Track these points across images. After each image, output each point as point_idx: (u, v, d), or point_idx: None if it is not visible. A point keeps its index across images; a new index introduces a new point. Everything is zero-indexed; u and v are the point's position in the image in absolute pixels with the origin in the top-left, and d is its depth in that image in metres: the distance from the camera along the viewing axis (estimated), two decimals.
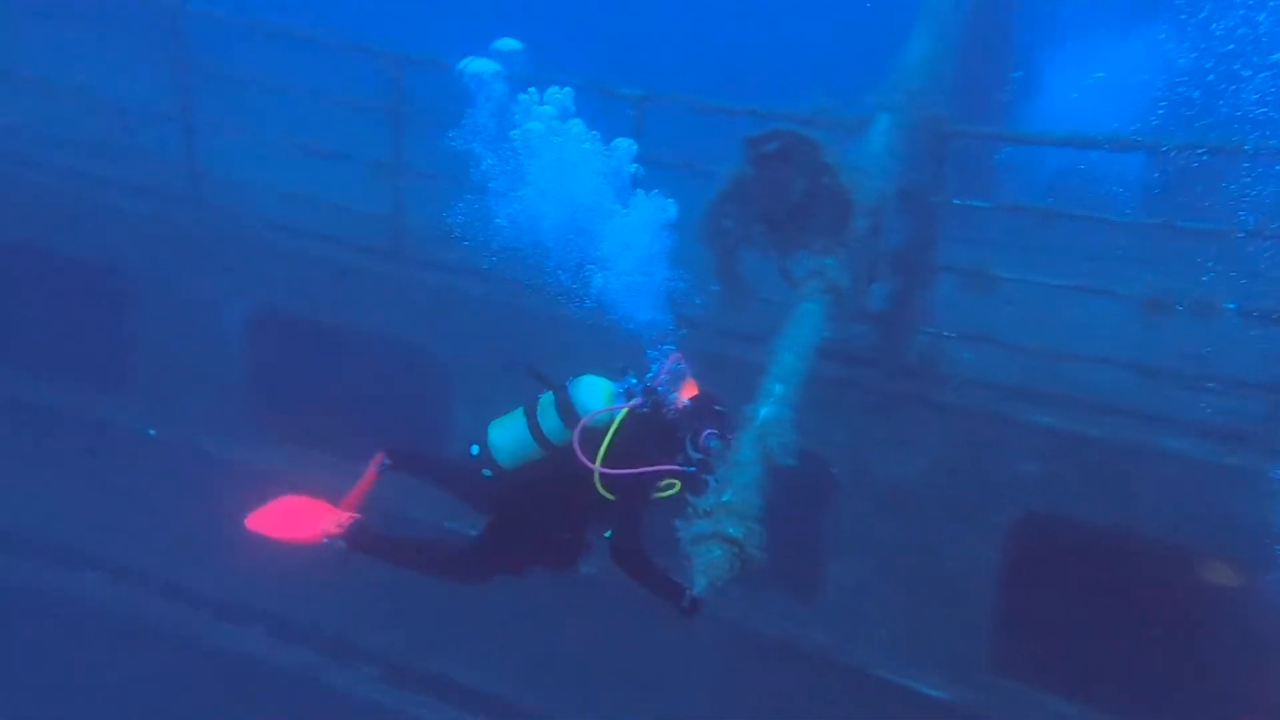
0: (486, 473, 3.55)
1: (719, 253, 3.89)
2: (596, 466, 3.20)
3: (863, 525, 4.90)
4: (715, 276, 3.97)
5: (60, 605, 6.30)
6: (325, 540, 3.70)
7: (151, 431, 6.20)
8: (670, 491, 3.30)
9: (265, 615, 6.06)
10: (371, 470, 3.93)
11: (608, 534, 3.31)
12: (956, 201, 4.73)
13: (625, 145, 3.91)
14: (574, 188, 3.80)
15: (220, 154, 6.03)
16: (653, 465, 3.11)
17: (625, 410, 3.36)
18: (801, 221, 3.76)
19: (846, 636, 4.96)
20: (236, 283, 6.00)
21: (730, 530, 2.06)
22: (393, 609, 5.66)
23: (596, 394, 3.43)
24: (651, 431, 3.31)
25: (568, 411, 3.43)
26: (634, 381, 3.48)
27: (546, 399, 3.52)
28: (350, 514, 3.79)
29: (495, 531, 3.63)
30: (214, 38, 6.01)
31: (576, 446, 3.25)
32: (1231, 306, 4.21)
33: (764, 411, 2.47)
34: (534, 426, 3.48)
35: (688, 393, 3.48)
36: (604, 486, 3.26)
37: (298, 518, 3.74)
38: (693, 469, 3.18)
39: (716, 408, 3.36)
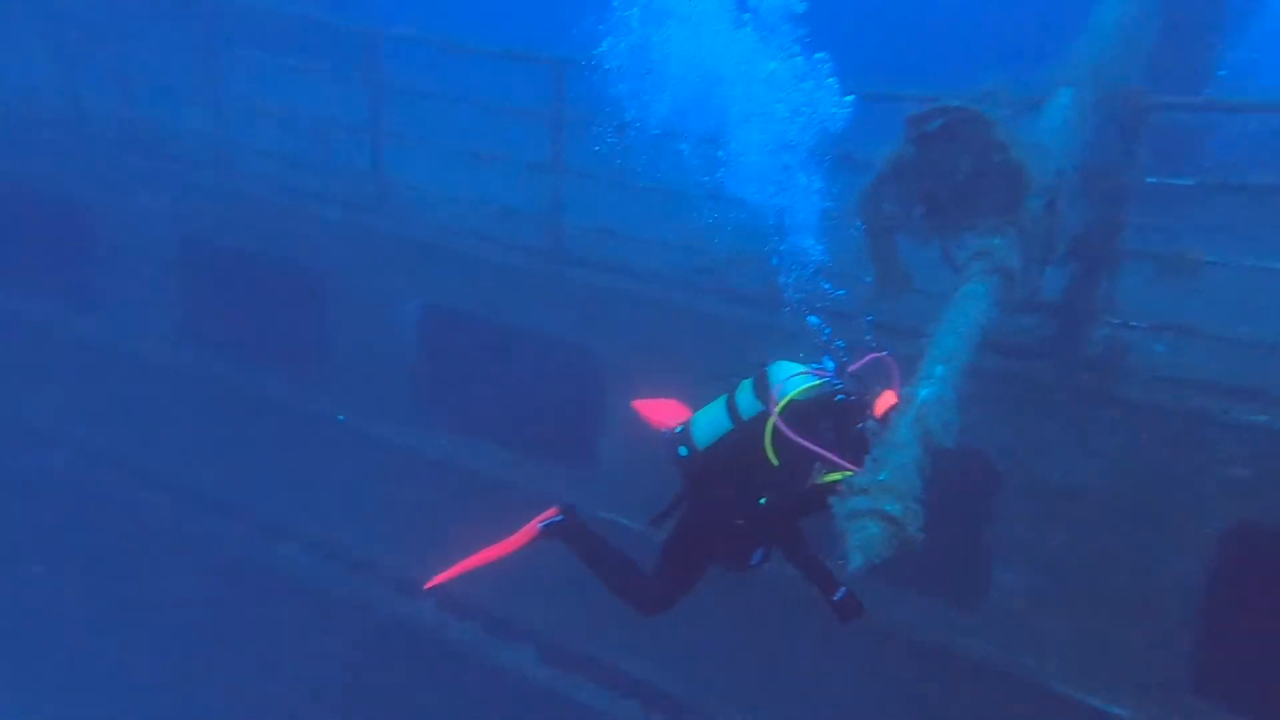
0: (683, 450, 3.62)
1: (875, 238, 3.76)
2: (775, 411, 3.19)
3: (1033, 530, 4.54)
4: (870, 263, 3.83)
5: (265, 573, 7.06)
6: (541, 527, 3.80)
7: (341, 418, 6.82)
8: (834, 476, 3.21)
9: (434, 590, 6.48)
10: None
11: (762, 500, 3.29)
12: (1151, 180, 4.31)
13: None
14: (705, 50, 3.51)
15: (398, 161, 6.53)
16: (821, 447, 3.03)
17: (816, 382, 3.33)
18: (967, 202, 3.56)
19: (1016, 647, 4.62)
20: (409, 282, 6.48)
21: (888, 508, 1.98)
22: (552, 590, 5.88)
23: (792, 373, 3.46)
24: (831, 415, 3.24)
25: (763, 388, 3.48)
26: (830, 366, 3.46)
27: (746, 382, 3.60)
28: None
29: (676, 531, 3.69)
30: (394, 53, 6.55)
31: (771, 405, 3.23)
32: None
33: (924, 392, 2.36)
34: (730, 403, 3.57)
35: (888, 400, 3.35)
36: (773, 448, 3.24)
37: (478, 560, 3.86)
38: (852, 469, 3.07)
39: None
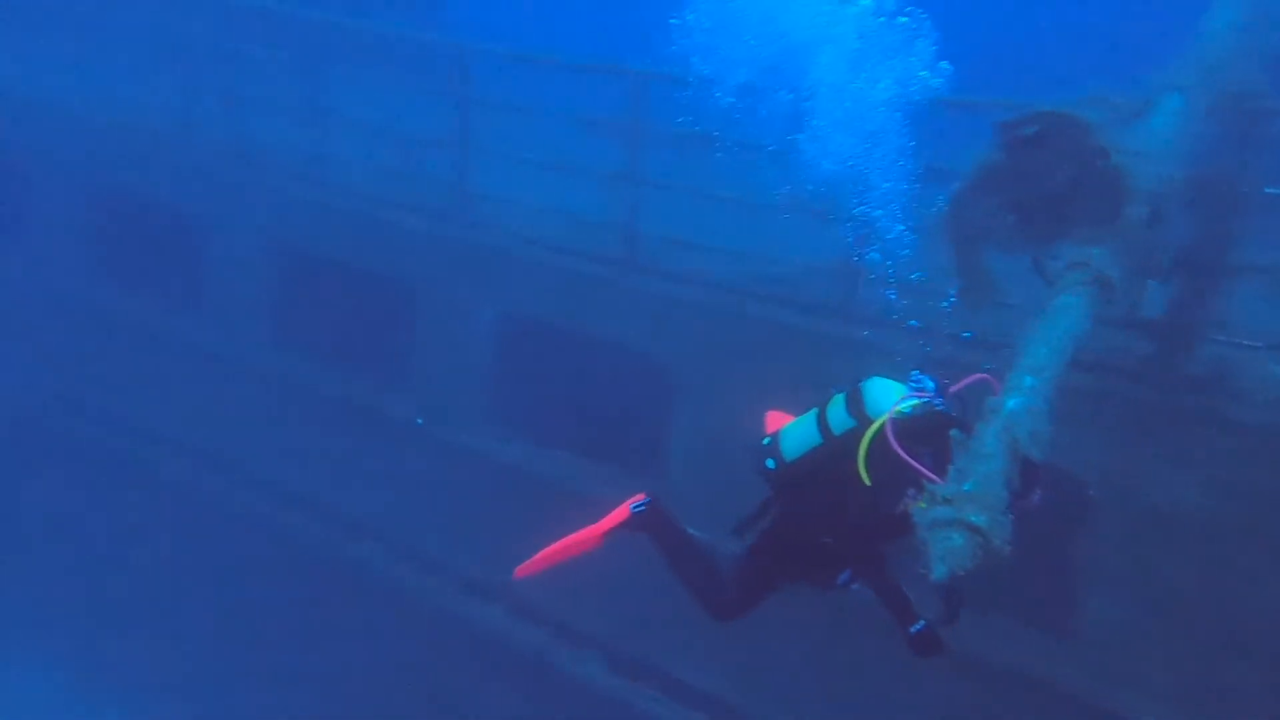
0: (770, 463, 3.56)
1: (961, 246, 3.63)
2: (890, 415, 3.05)
3: (1130, 555, 4.27)
4: (956, 273, 3.70)
5: (343, 568, 7.26)
6: (631, 509, 3.82)
7: (419, 421, 6.98)
8: (923, 504, 3.08)
9: (505, 595, 6.55)
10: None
11: (850, 520, 3.20)
12: (1270, 190, 4.04)
13: None
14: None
15: (477, 170, 6.66)
16: (922, 465, 2.84)
17: (917, 402, 3.19)
18: (1062, 210, 3.40)
19: (1110, 679, 4.34)
20: (487, 290, 6.58)
21: (973, 518, 1.88)
22: (622, 599, 5.86)
23: (888, 390, 3.34)
24: (933, 437, 3.06)
25: (856, 405, 3.39)
26: (930, 385, 3.32)
27: (839, 397, 3.51)
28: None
29: (761, 542, 3.64)
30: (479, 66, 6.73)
31: (889, 424, 3.08)
32: None
33: (1011, 403, 2.25)
34: (821, 418, 3.49)
35: None
36: (866, 466, 3.14)
37: (566, 548, 3.88)
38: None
39: None
